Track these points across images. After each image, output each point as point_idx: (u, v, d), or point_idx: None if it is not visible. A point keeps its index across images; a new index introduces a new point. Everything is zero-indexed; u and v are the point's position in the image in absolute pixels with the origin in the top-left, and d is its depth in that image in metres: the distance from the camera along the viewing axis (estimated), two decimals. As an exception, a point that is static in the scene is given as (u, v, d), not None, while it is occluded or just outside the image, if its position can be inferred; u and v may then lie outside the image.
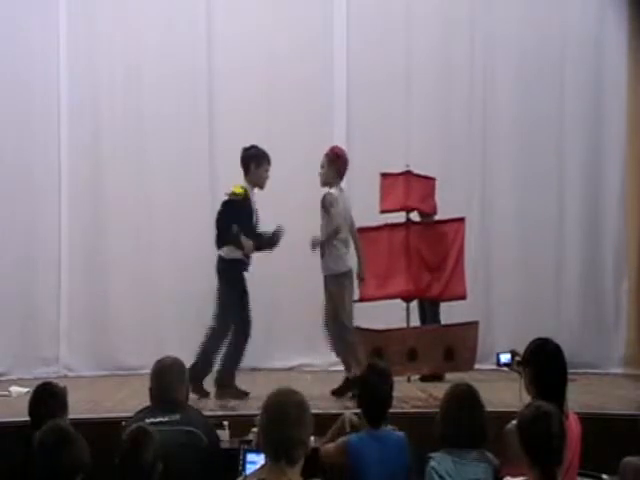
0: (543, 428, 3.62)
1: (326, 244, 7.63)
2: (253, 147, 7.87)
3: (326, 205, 7.65)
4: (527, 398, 4.47)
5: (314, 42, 10.18)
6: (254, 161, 7.76)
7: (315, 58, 10.18)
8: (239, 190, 7.70)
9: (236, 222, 7.61)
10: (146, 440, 3.83)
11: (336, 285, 7.65)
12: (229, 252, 7.68)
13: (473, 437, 4.28)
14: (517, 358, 5.12)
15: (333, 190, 7.72)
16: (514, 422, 4.18)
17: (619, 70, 10.10)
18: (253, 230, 7.77)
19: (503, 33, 10.26)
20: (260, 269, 9.26)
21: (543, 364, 4.44)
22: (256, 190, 7.83)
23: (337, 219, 7.65)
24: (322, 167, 7.80)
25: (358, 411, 4.80)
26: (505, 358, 5.26)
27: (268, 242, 7.84)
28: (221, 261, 7.72)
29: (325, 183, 7.80)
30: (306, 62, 10.09)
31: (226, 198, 7.78)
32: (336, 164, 7.78)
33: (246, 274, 7.79)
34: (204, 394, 7.56)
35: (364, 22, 10.23)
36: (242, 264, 7.74)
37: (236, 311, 7.67)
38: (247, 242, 7.62)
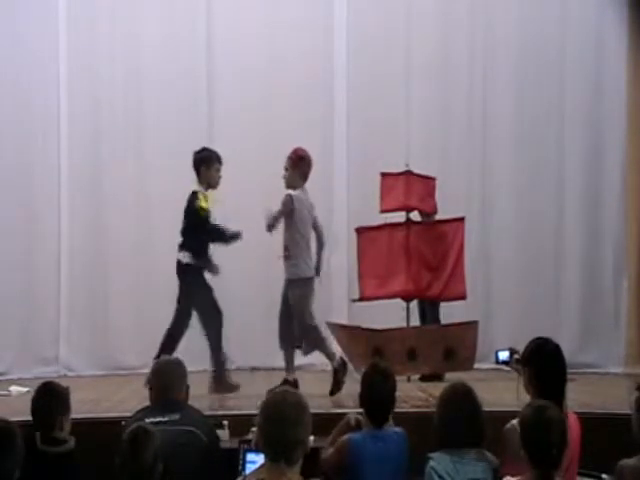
0: (544, 436, 3.66)
1: (292, 248, 7.65)
2: (204, 150, 8.01)
3: (285, 207, 7.63)
4: (525, 396, 4.49)
5: (314, 42, 10.17)
6: (204, 163, 7.86)
7: (315, 58, 10.18)
8: (204, 206, 7.82)
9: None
10: (146, 439, 3.82)
11: (303, 288, 7.66)
12: (183, 257, 7.84)
13: (471, 436, 4.28)
14: (516, 356, 5.12)
15: (295, 192, 7.70)
16: (513, 422, 4.20)
17: (619, 70, 10.10)
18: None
19: (503, 32, 10.26)
20: (260, 269, 9.31)
21: (543, 364, 4.45)
22: (210, 191, 7.92)
23: (300, 223, 7.66)
24: (286, 169, 7.78)
25: (361, 410, 4.81)
26: (504, 356, 5.26)
27: (222, 237, 7.90)
28: (177, 265, 7.88)
29: (289, 186, 7.78)
30: (306, 63, 10.09)
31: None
32: (299, 166, 7.75)
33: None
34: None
35: (364, 22, 10.23)
36: (195, 268, 7.80)
37: (185, 313, 7.81)
38: None
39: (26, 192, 9.82)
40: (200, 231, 7.81)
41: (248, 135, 9.56)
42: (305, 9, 10.20)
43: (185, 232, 7.86)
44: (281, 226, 7.76)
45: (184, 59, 10.09)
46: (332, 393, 7.51)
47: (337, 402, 7.27)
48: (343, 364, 7.66)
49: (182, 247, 7.85)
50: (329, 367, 7.79)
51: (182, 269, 7.83)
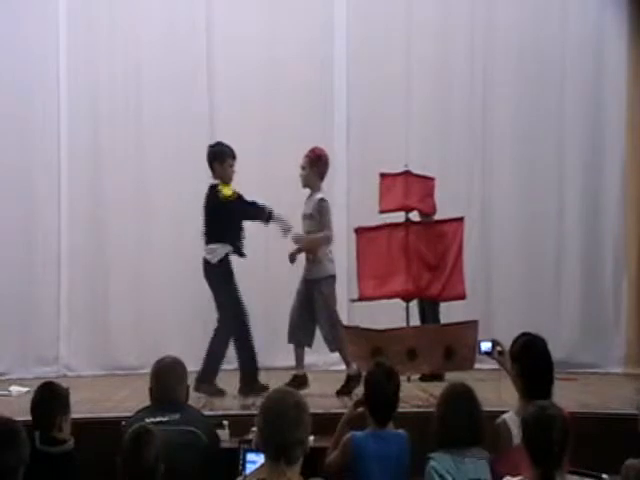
0: (545, 434, 3.66)
1: (320, 249, 7.66)
2: (217, 144, 8.02)
3: (323, 212, 7.66)
4: (512, 393, 4.52)
5: (314, 42, 10.18)
6: (217, 159, 7.86)
7: (315, 59, 10.18)
8: (229, 193, 7.78)
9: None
10: (148, 439, 3.82)
11: (329, 287, 7.72)
12: (212, 257, 7.75)
13: (471, 435, 4.29)
14: (498, 348, 5.13)
15: (323, 195, 7.74)
16: (504, 416, 4.29)
17: (619, 70, 10.09)
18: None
19: (503, 33, 10.26)
20: (261, 268, 9.30)
21: (532, 360, 4.52)
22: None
23: (331, 225, 7.71)
24: (303, 168, 7.78)
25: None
26: (486, 347, 5.23)
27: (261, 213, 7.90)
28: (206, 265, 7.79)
29: (306, 185, 7.81)
30: (306, 62, 10.10)
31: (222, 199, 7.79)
32: (317, 165, 7.76)
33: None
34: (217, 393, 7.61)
35: (364, 22, 10.23)
36: (225, 267, 7.76)
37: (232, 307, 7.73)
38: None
39: (26, 192, 9.82)
40: (233, 218, 7.75)
41: (248, 134, 9.55)
42: (305, 9, 10.20)
43: (212, 229, 7.75)
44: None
45: (184, 57, 10.08)
46: (338, 394, 7.50)
47: (337, 402, 7.27)
48: (359, 375, 7.62)
49: (210, 245, 7.75)
50: (330, 367, 7.79)
51: (212, 269, 7.72)
